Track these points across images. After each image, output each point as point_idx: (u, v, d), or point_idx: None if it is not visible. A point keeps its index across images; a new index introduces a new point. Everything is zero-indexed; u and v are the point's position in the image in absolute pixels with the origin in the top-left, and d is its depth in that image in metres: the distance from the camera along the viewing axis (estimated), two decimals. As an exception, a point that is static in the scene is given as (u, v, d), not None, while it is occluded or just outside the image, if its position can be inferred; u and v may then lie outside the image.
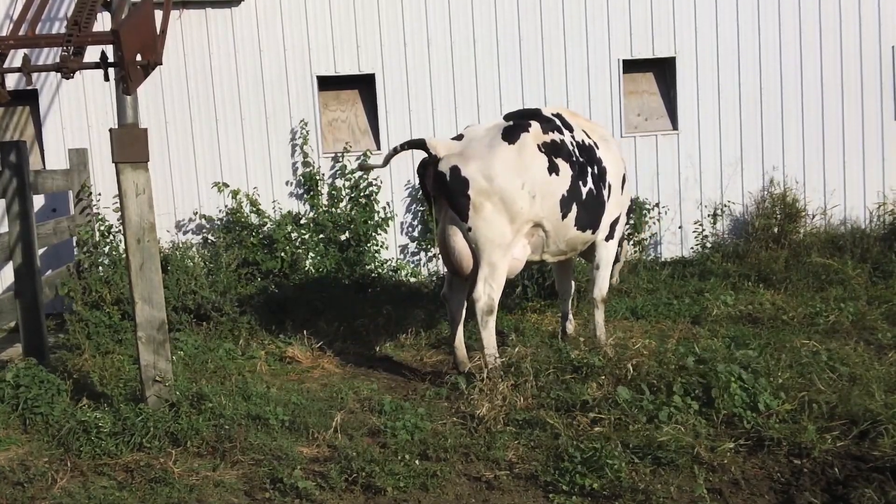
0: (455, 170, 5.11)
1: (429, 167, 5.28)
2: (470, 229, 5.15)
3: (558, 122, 5.52)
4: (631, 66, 8.62)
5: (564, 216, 5.36)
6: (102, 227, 7.84)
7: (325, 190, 8.33)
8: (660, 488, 3.65)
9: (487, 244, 5.15)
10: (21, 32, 4.85)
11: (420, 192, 5.84)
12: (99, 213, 7.88)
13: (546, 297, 7.21)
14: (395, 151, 5.36)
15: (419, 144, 5.27)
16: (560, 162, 5.32)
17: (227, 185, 8.14)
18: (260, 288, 7.29)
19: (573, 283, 6.36)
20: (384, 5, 8.28)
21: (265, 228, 8.09)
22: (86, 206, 7.81)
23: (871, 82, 8.69)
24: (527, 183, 5.15)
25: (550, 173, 5.26)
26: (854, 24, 8.62)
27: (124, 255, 5.33)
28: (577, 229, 5.48)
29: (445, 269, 5.56)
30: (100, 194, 7.89)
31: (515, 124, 5.36)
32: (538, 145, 5.28)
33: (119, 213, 5.65)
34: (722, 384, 4.34)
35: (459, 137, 5.34)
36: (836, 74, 8.68)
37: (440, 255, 5.36)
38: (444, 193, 5.19)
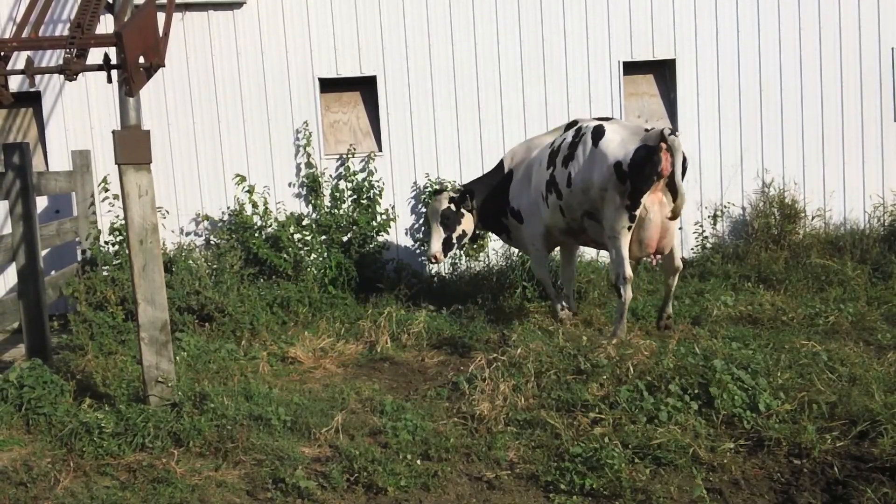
0: (684, 155, 5.67)
1: (666, 152, 5.53)
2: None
3: None
4: (631, 67, 8.64)
5: None
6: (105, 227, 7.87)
7: (327, 191, 8.35)
8: (660, 488, 3.67)
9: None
10: (24, 35, 4.88)
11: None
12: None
13: (545, 298, 7.23)
14: (673, 132, 5.58)
15: (673, 131, 5.66)
16: None
17: (244, 179, 8.16)
18: (262, 289, 7.30)
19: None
20: (385, 7, 8.31)
21: (268, 230, 8.12)
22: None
23: (871, 84, 8.71)
24: None
25: None
26: (853, 25, 8.64)
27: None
28: None
29: (642, 253, 5.97)
30: (110, 194, 7.89)
31: None
32: None
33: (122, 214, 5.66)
34: (721, 383, 4.37)
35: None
36: (836, 76, 8.69)
37: (649, 240, 5.82)
38: (680, 176, 5.62)
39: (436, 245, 7.06)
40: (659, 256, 6.00)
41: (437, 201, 7.17)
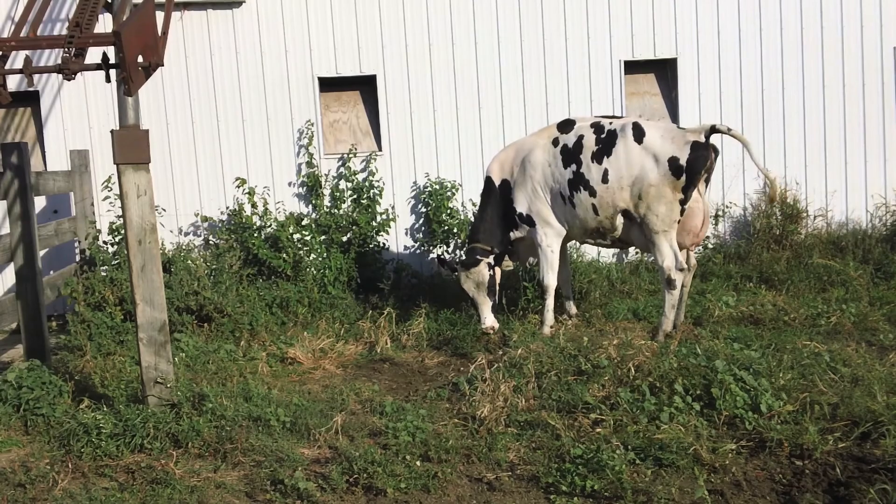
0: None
1: (711, 149, 5.88)
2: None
3: None
4: (632, 66, 8.62)
5: None
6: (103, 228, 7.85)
7: (327, 191, 8.33)
8: (661, 489, 3.65)
9: None
10: (22, 34, 4.86)
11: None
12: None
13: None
14: (728, 131, 5.88)
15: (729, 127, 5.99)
16: None
17: (244, 182, 8.13)
18: (262, 289, 7.29)
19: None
20: (385, 6, 8.29)
21: (267, 230, 8.10)
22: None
23: (873, 83, 8.68)
24: None
25: None
26: (855, 24, 8.61)
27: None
28: None
29: (692, 242, 6.28)
30: (112, 194, 7.85)
31: None
32: None
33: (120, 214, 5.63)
34: (723, 384, 4.34)
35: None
36: (838, 75, 8.67)
37: (695, 228, 6.17)
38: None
39: (489, 318, 6.49)
40: (693, 248, 6.32)
41: (476, 273, 6.52)
